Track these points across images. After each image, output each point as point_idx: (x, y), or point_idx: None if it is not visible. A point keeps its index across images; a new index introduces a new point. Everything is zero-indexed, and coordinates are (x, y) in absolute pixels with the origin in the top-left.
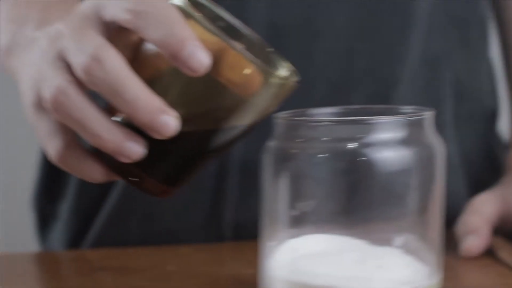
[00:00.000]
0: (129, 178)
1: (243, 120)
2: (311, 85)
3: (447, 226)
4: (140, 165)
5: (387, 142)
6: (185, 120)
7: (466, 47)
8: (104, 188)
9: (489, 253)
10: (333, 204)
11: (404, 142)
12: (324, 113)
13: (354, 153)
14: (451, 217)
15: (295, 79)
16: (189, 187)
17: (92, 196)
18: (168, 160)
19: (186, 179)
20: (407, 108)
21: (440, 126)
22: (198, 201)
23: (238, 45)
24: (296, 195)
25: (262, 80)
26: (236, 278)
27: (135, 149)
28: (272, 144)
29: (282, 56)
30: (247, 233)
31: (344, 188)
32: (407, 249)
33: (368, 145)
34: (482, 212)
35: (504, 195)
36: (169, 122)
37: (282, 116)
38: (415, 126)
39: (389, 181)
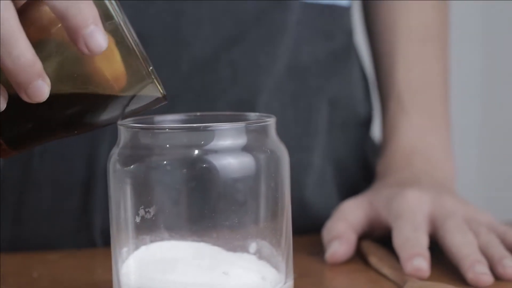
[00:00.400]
0: None
1: (104, 112)
2: (176, 95)
3: (318, 233)
4: None
5: (230, 149)
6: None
7: (335, 58)
8: None
9: (359, 258)
10: (179, 211)
11: (247, 148)
12: (169, 120)
13: (196, 160)
14: (323, 224)
15: (163, 95)
16: (57, 192)
17: None
18: (20, 122)
19: (29, 145)
20: (253, 115)
21: (312, 134)
22: (67, 206)
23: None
24: (139, 203)
25: (138, 81)
26: (101, 285)
27: None
28: (116, 151)
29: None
30: None
31: (189, 195)
32: (261, 256)
33: (210, 152)
34: (347, 218)
35: (372, 201)
36: (42, 88)
37: (123, 124)
38: (258, 133)
39: (233, 188)
